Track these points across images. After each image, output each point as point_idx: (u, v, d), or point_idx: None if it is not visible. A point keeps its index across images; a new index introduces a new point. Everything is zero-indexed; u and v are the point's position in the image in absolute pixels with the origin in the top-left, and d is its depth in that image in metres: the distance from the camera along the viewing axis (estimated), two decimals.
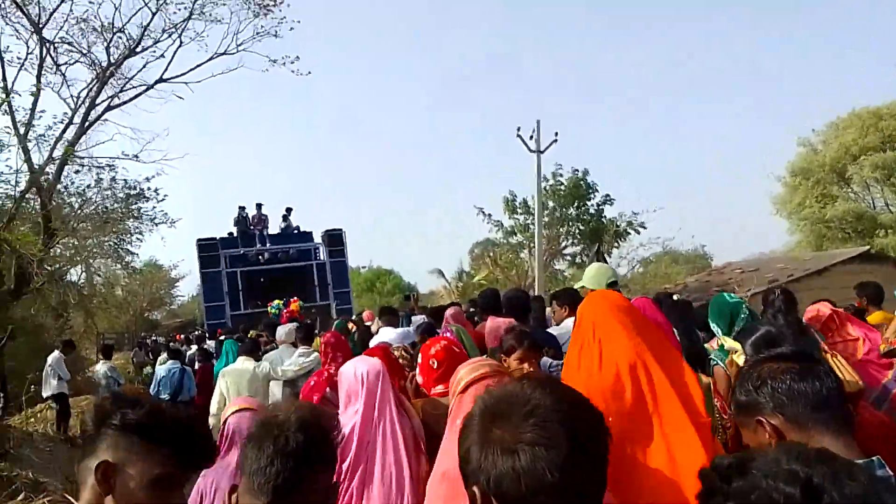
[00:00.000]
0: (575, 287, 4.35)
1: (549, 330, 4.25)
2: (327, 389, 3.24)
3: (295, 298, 15.19)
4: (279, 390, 6.33)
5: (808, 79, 78.74)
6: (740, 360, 2.97)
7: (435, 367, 2.88)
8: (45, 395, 10.61)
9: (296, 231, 24.05)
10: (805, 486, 0.84)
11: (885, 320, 4.48)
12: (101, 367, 11.51)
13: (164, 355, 12.44)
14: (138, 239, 21.68)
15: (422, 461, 2.66)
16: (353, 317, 12.31)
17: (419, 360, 2.96)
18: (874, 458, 1.33)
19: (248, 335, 11.02)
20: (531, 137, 15.32)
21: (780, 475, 0.86)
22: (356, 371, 2.77)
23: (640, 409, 2.04)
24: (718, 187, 76.13)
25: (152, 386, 9.83)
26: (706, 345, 3.91)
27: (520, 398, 1.01)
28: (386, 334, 6.10)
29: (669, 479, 1.88)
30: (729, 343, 3.22)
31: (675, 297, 6.43)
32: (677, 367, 2.18)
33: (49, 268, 18.08)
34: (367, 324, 10.05)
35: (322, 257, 23.64)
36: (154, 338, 25.55)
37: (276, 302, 14.98)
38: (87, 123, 16.20)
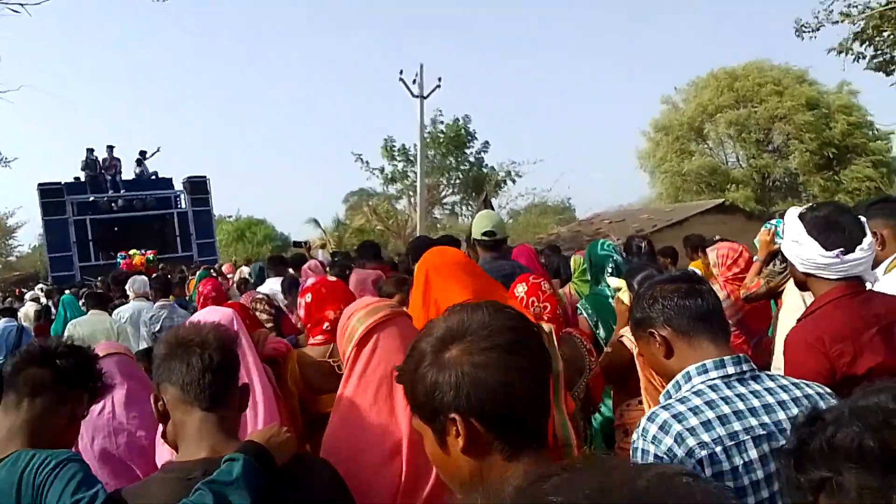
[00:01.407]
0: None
1: None
2: None
3: (145, 252, 13.73)
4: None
5: (677, 39, 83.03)
6: (625, 296, 3.07)
7: (329, 320, 2.81)
8: None
9: (153, 177, 22.19)
10: (893, 391, 0.81)
11: (702, 267, 5.01)
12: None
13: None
14: None
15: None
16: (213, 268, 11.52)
17: (307, 300, 2.90)
18: (740, 355, 1.59)
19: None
20: (414, 82, 14.76)
21: (864, 395, 0.84)
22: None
23: None
24: (587, 142, 79.39)
25: None
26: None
27: (471, 321, 1.04)
28: (273, 285, 6.03)
29: None
30: (615, 282, 3.33)
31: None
32: None
33: None
34: (228, 276, 9.42)
35: (184, 205, 22.05)
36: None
37: (133, 252, 13.45)
38: None
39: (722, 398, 1.49)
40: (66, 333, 6.14)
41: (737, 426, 1.45)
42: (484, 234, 3.70)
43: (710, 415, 1.46)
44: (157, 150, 22.42)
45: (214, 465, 1.44)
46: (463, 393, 0.98)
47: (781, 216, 4.72)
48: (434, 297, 2.29)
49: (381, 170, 18.89)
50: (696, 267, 5.41)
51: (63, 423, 1.71)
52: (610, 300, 3.47)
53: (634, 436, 1.52)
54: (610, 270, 3.65)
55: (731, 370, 1.54)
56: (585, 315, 3.59)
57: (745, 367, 1.55)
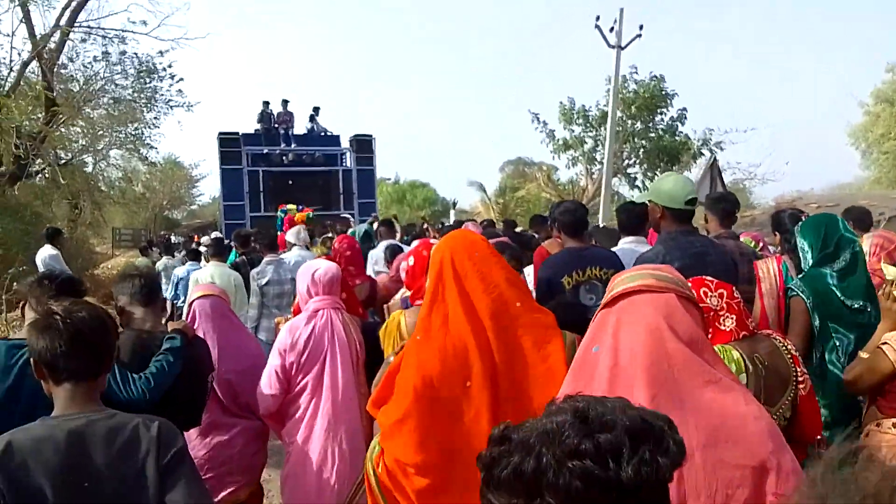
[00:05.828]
0: (640, 201, 3.74)
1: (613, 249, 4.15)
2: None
3: (304, 208, 13.24)
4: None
5: None
6: None
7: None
8: None
9: (323, 133, 22.38)
10: (574, 410, 0.89)
11: None
12: (165, 262, 10.85)
13: (176, 255, 11.45)
14: (155, 126, 20.14)
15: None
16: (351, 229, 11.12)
17: (409, 264, 3.04)
18: None
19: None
20: (611, 30, 12.87)
21: (550, 413, 0.91)
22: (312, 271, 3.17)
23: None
24: (783, 114, 70.31)
25: (169, 288, 8.79)
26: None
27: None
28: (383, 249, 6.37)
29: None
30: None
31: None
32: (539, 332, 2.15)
33: (53, 150, 16.58)
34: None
35: (349, 164, 22.01)
36: (173, 236, 24.34)
37: (290, 206, 13.06)
38: None
39: None
40: (190, 278, 6.91)
41: None
42: (688, 202, 3.23)
43: None
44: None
45: (155, 336, 2.71)
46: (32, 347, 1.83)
47: None
48: (448, 295, 2.13)
49: (552, 135, 17.22)
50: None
51: None
52: (833, 288, 3.03)
53: None
54: (844, 262, 3.09)
55: None
56: (802, 296, 3.06)
57: None
